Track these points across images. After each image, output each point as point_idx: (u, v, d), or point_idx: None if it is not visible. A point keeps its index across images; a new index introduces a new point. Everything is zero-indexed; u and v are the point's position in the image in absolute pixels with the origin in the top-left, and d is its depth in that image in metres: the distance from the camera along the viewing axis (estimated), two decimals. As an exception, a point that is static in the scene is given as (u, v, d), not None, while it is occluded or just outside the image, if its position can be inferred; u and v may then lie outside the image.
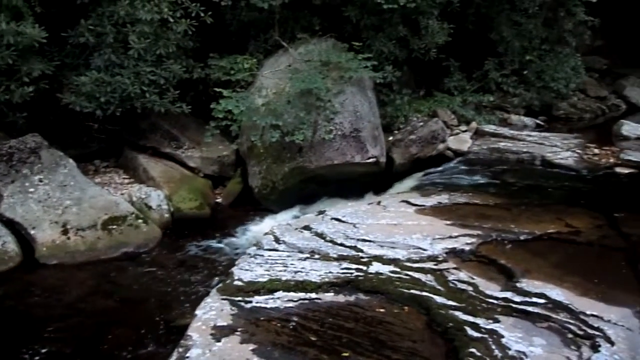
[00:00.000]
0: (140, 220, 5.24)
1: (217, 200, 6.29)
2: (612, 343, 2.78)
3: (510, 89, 8.99)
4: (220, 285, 3.49)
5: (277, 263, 3.68)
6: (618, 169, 6.41)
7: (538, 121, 9.08)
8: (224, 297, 3.24)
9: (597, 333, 2.87)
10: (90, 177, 5.86)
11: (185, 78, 6.21)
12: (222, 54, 6.62)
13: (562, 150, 6.93)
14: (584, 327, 2.93)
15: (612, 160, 6.78)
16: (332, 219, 4.50)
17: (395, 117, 7.25)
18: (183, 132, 6.65)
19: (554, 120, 9.70)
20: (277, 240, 4.07)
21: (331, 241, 4.04)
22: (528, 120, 8.91)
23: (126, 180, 6.14)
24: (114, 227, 5.10)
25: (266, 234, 4.32)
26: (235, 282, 3.43)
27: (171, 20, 5.83)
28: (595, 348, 2.74)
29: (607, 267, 3.81)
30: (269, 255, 3.82)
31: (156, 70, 5.84)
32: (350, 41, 6.59)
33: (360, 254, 3.82)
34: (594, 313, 3.06)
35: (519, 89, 9.07)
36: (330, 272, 3.53)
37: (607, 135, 8.40)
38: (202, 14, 6.03)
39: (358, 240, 4.04)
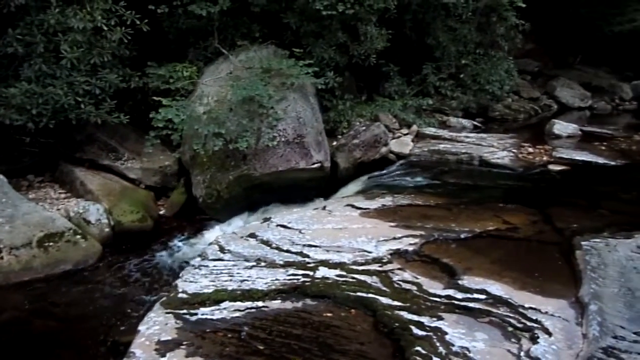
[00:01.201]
0: (78, 236, 5.04)
1: (161, 212, 6.14)
2: (549, 334, 2.90)
3: (448, 92, 9.29)
4: (164, 298, 3.41)
5: (222, 273, 3.63)
6: (551, 167, 6.71)
7: (475, 123, 9.41)
8: (168, 310, 3.17)
9: (535, 325, 2.99)
10: (24, 192, 5.60)
11: (123, 87, 6.04)
12: (160, 62, 6.49)
13: (498, 150, 7.20)
14: (523, 320, 3.04)
15: (545, 158, 7.10)
16: (277, 225, 4.49)
17: (339, 122, 7.33)
18: (122, 143, 6.45)
19: (490, 121, 10.08)
20: (222, 249, 4.02)
21: (277, 248, 4.02)
22: (466, 122, 9.22)
23: (62, 195, 5.90)
24: (51, 244, 4.87)
25: (211, 243, 4.26)
26: (180, 295, 3.35)
27: (105, 28, 5.66)
28: (534, 340, 2.85)
29: (544, 261, 3.97)
30: (214, 266, 3.76)
31: (91, 80, 5.65)
32: (291, 48, 6.62)
33: (307, 260, 3.82)
34: (532, 306, 3.18)
35: (457, 92, 9.38)
36: (276, 280, 3.51)
37: (541, 135, 8.80)
38: (138, 22, 5.89)
39: (304, 245, 4.05)
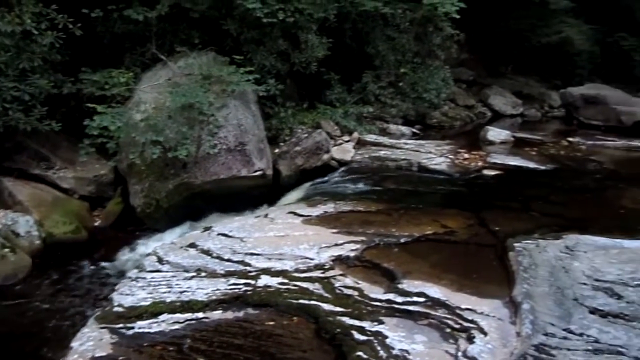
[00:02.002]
0: (6, 250, 4.77)
1: (96, 223, 5.92)
2: (485, 334, 3.00)
3: (387, 100, 9.48)
4: (98, 313, 3.28)
5: (160, 284, 3.53)
6: (485, 172, 6.97)
7: (414, 130, 9.66)
8: (103, 325, 3.05)
9: (471, 325, 3.08)
10: (-55, 205, 5.25)
11: (54, 94, 5.79)
12: (95, 67, 6.26)
13: (436, 156, 7.41)
14: (460, 321, 3.13)
15: (480, 163, 7.36)
16: (218, 234, 4.42)
17: (281, 129, 7.32)
18: (54, 151, 6.18)
19: (428, 128, 10.38)
20: (160, 260, 3.91)
21: (218, 257, 3.96)
22: (405, 129, 9.44)
23: (-12, 207, 5.57)
24: (-25, 259, 4.60)
25: (149, 254, 4.14)
26: (116, 309, 3.24)
27: (35, 32, 5.42)
28: (470, 340, 2.94)
29: (479, 263, 4.10)
30: (152, 277, 3.65)
31: (20, 86, 5.39)
32: (232, 54, 6.56)
33: (248, 268, 3.79)
34: (469, 307, 3.28)
35: (396, 100, 9.59)
36: (217, 290, 3.45)
37: (476, 141, 9.13)
38: (71, 26, 5.67)
39: (246, 254, 4.00)
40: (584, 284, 3.26)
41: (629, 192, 6.35)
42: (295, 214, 4.99)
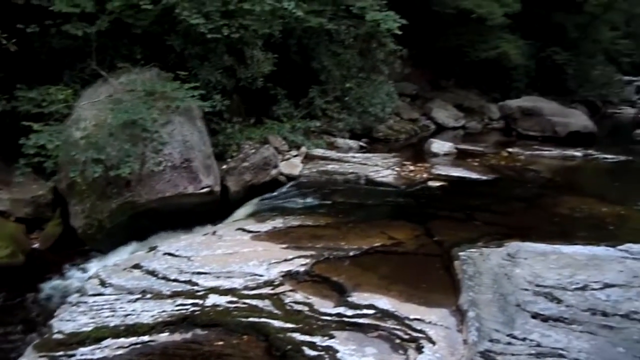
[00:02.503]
0: None
1: (34, 246, 5.64)
2: (433, 343, 3.05)
3: (334, 114, 9.60)
4: (37, 341, 3.13)
5: (103, 308, 3.40)
6: (430, 183, 7.14)
7: (361, 143, 9.81)
8: (42, 354, 2.91)
9: (420, 335, 3.13)
10: None
11: (-13, 112, 5.53)
12: (32, 84, 6.02)
13: (382, 168, 7.53)
14: (409, 331, 3.17)
15: (425, 175, 7.54)
16: (164, 254, 4.31)
17: (228, 145, 7.24)
18: (-13, 172, 5.88)
19: (375, 141, 10.56)
20: (103, 283, 3.77)
21: (164, 278, 3.86)
22: (352, 143, 9.56)
23: None
24: None
25: (90, 277, 3.99)
26: (55, 336, 3.09)
27: (-35, 47, 5.17)
28: (419, 349, 2.99)
29: (427, 273, 4.19)
30: (94, 301, 3.52)
31: (-52, 104, 5.12)
32: (176, 70, 6.45)
33: (196, 288, 3.71)
34: (417, 317, 3.33)
35: (342, 114, 9.72)
36: (163, 311, 3.36)
37: (420, 153, 9.38)
38: (5, 41, 5.44)
39: (193, 273, 3.92)
40: (526, 289, 3.37)
41: (565, 199, 6.65)
42: (244, 230, 4.95)
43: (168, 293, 3.63)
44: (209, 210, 5.97)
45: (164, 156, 5.62)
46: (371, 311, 3.38)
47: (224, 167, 6.81)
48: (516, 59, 15.43)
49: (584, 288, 3.36)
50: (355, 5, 9.57)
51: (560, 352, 2.72)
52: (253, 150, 7.02)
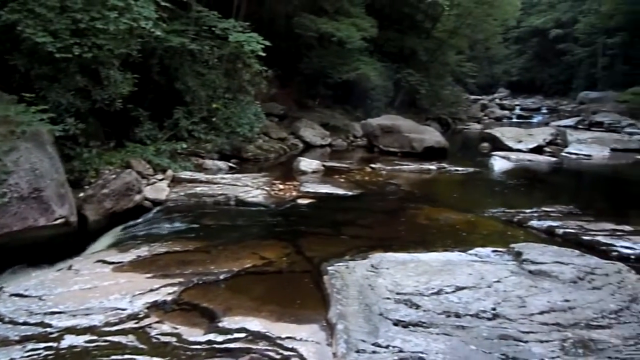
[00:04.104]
0: None
1: None
2: (304, 359, 3.08)
3: (201, 135, 9.43)
4: None
5: None
6: (300, 201, 7.28)
7: (230, 164, 9.73)
8: None
9: (292, 353, 3.15)
10: None
11: None
12: None
13: (252, 188, 7.53)
14: (281, 351, 3.18)
15: (294, 193, 7.67)
16: (11, 295, 3.88)
17: (85, 171, 6.76)
18: None
19: (244, 161, 10.54)
20: None
21: (11, 322, 3.47)
22: (221, 164, 9.46)
23: None
24: None
25: None
26: None
27: None
28: (291, 368, 3.00)
29: (298, 290, 4.24)
30: None
31: None
32: (20, 92, 5.90)
33: (49, 330, 3.38)
34: (289, 335, 3.36)
35: (210, 135, 9.59)
36: (11, 359, 3.01)
37: (290, 172, 9.54)
38: None
39: (45, 314, 3.57)
40: (388, 298, 3.56)
41: (423, 209, 7.17)
42: (104, 262, 4.63)
43: (16, 338, 3.27)
44: (65, 243, 5.50)
45: (9, 187, 5.08)
46: (242, 334, 3.34)
47: (81, 195, 6.33)
48: (375, 80, 16.45)
49: (438, 292, 3.63)
50: (218, 26, 9.55)
51: (420, 355, 2.90)
52: (114, 176, 6.62)
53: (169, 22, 8.83)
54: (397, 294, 3.61)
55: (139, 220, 6.31)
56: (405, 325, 3.22)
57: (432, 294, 3.62)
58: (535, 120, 28.67)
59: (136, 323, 3.49)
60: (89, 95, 6.93)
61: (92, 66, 6.81)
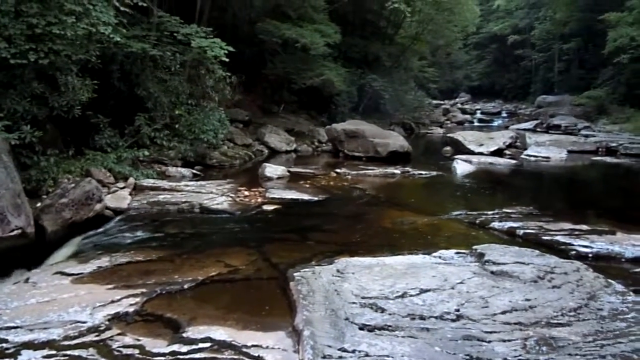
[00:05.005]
0: None
1: None
2: (270, 367, 3.06)
3: (164, 142, 9.29)
4: None
5: None
6: (265, 207, 7.23)
7: (194, 171, 9.61)
8: None
9: (257, 362, 3.12)
10: None
11: None
12: None
13: (217, 195, 7.44)
14: (247, 359, 3.14)
15: (260, 199, 7.62)
16: (-37, 311, 3.72)
17: (42, 180, 6.58)
18: None
19: (209, 168, 10.42)
20: None
21: (-36, 338, 3.32)
22: (185, 171, 9.33)
23: None
24: None
25: None
26: None
27: None
28: (257, 377, 2.97)
29: (264, 297, 4.21)
30: None
31: None
32: (-28, 100, 5.73)
33: (5, 345, 3.25)
34: (255, 343, 3.32)
35: (173, 142, 9.45)
36: (-37, 378, 2.89)
37: (255, 178, 9.48)
38: None
39: (1, 329, 3.43)
40: (353, 302, 3.57)
41: (388, 213, 7.24)
42: (63, 273, 4.49)
43: (-31, 356, 3.14)
44: (22, 255, 5.31)
45: (-40, 198, 4.90)
46: (207, 344, 3.29)
47: (39, 205, 6.15)
48: (339, 86, 16.54)
49: (403, 295, 3.66)
50: (180, 32, 9.45)
51: (386, 358, 2.91)
52: (73, 185, 6.44)
53: (130, 28, 8.69)
54: (363, 298, 3.62)
55: (100, 230, 6.15)
56: (371, 329, 3.23)
57: (397, 297, 3.64)
58: (495, 123, 29.42)
59: (97, 336, 3.39)
60: (46, 102, 6.76)
61: (49, 72, 6.64)
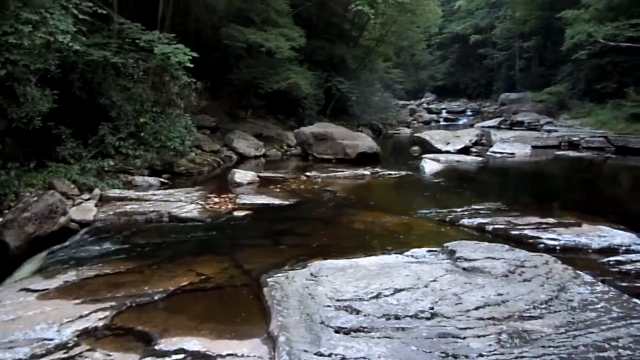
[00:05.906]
0: None
1: None
2: (246, 376, 3.01)
3: (130, 151, 9.11)
4: None
5: None
6: (236, 213, 7.15)
7: (162, 179, 9.44)
8: None
9: (232, 371, 3.06)
10: None
11: None
12: None
13: (186, 203, 7.32)
14: (221, 369, 3.09)
15: (230, 206, 7.53)
16: None
17: (3, 195, 6.37)
18: None
19: (177, 176, 10.26)
20: None
21: None
22: (152, 180, 9.15)
23: None
24: None
25: None
26: None
27: None
28: (232, 385, 2.91)
29: (238, 305, 4.14)
30: None
31: None
32: None
33: (-33, 368, 3.12)
34: (230, 352, 3.26)
35: (139, 151, 9.28)
36: None
37: (225, 184, 9.38)
38: None
39: (-38, 351, 3.30)
40: (328, 306, 3.54)
41: (359, 214, 7.24)
42: (28, 290, 4.34)
43: None
44: (-18, 273, 5.12)
45: None
46: (181, 356, 3.22)
47: (0, 220, 5.94)
48: (306, 89, 16.53)
49: (377, 296, 3.66)
50: (142, 39, 9.29)
51: (363, 360, 2.90)
52: (35, 198, 6.24)
53: (90, 35, 8.49)
54: (337, 300, 3.60)
55: (66, 243, 5.97)
56: (347, 331, 3.22)
57: (372, 298, 3.64)
58: (461, 122, 29.96)
59: (65, 353, 3.28)
60: (5, 114, 6.53)
61: (6, 83, 6.42)
